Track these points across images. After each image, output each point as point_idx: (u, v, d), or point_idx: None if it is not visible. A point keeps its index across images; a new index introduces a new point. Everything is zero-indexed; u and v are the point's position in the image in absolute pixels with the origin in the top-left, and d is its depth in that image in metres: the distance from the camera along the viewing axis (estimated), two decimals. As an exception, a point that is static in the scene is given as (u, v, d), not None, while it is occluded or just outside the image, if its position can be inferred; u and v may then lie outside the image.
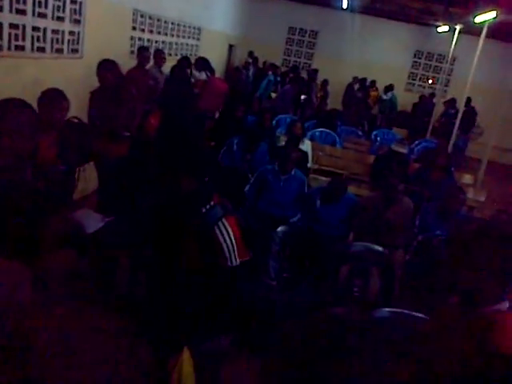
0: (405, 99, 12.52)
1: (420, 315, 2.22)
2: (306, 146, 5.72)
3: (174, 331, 1.74)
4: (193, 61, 7.67)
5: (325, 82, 10.97)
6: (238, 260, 1.64)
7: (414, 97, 12.76)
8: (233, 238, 1.63)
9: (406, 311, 2.28)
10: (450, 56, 11.03)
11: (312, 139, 7.40)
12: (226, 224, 1.63)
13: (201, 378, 1.78)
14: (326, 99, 9.85)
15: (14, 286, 0.86)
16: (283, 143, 5.54)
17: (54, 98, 3.24)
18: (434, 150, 6.87)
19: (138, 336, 1.96)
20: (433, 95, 11.97)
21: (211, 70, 8.05)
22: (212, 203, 1.65)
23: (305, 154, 5.17)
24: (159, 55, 6.33)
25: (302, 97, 9.50)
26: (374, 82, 12.41)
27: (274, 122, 7.74)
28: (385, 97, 11.83)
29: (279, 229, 3.29)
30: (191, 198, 1.62)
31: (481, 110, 10.44)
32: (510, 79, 8.07)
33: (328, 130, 7.78)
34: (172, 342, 1.72)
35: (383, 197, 3.95)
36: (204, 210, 1.62)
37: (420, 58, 13.52)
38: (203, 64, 7.83)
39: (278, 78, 11.05)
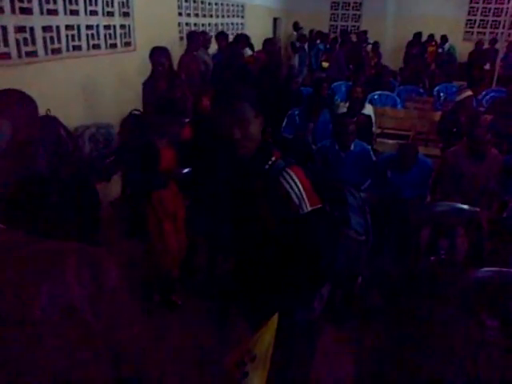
0: (464, 50, 11.75)
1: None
2: (368, 110, 5.52)
3: (267, 301, 1.71)
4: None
5: (375, 45, 10.49)
6: (309, 207, 1.57)
7: (474, 46, 11.95)
8: (300, 185, 1.57)
9: (508, 269, 2.13)
10: (512, -5, 10.19)
11: (371, 103, 7.16)
12: (291, 172, 1.58)
13: (288, 348, 1.74)
14: (380, 62, 9.45)
15: (104, 271, 0.85)
16: (345, 110, 5.37)
17: None
18: (505, 99, 6.38)
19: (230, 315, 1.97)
20: (494, 41, 11.13)
21: (251, 47, 7.93)
22: (273, 158, 1.61)
23: (369, 117, 4.97)
24: (204, 38, 6.28)
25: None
26: (431, 37, 11.71)
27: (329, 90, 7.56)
28: (440, 50, 11.16)
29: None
30: (252, 160, 1.59)
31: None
32: None
33: (387, 92, 7.48)
34: (265, 312, 1.68)
35: (468, 151, 3.64)
36: (267, 167, 1.59)
37: (477, 3, 12.59)
38: (245, 41, 7.71)
39: (328, 46, 10.71)
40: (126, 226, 3.43)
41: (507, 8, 10.66)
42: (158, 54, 4.02)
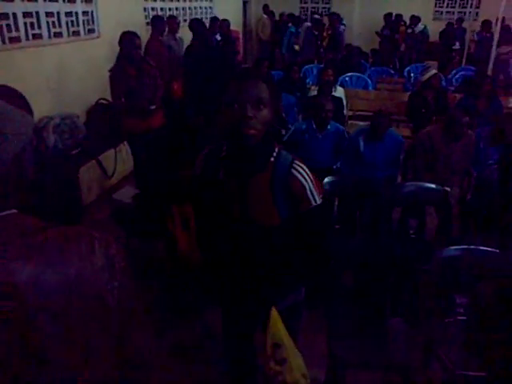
0: (433, 29, 11.81)
1: (491, 249, 2.10)
2: (339, 92, 5.51)
3: (261, 293, 1.69)
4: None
5: (332, 17, 10.17)
6: (319, 199, 1.55)
7: (443, 25, 12.03)
8: (311, 177, 1.53)
9: (476, 247, 2.16)
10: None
11: (342, 85, 7.17)
12: (301, 164, 1.53)
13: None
14: (336, 38, 9.37)
15: (114, 253, 0.92)
16: (315, 93, 5.35)
17: None
18: (474, 77, 6.45)
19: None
20: (461, 20, 11.19)
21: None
22: (276, 149, 1.56)
23: (339, 100, 4.96)
24: (172, 22, 6.14)
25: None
26: (400, 17, 11.69)
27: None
28: (409, 30, 11.16)
29: (325, 180, 3.17)
30: (256, 149, 1.52)
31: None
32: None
33: (358, 74, 7.48)
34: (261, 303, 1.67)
35: (444, 132, 3.64)
36: (273, 159, 1.54)
37: (446, -18, 12.66)
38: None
39: (299, 30, 10.63)
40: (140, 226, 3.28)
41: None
42: (129, 40, 3.88)
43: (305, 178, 1.51)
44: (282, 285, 1.69)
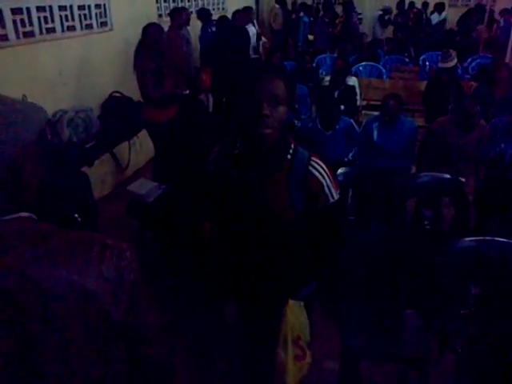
0: (450, 16, 11.59)
1: (507, 240, 2.07)
2: (353, 82, 5.46)
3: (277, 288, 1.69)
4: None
5: (346, 5, 9.95)
6: (336, 195, 1.55)
7: (460, 12, 11.81)
8: (329, 174, 1.53)
9: (492, 238, 2.14)
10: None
11: (357, 75, 7.09)
12: (318, 161, 1.53)
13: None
14: (349, 27, 9.25)
15: (126, 263, 0.89)
16: (327, 83, 5.31)
17: None
18: (490, 65, 6.33)
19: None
20: (480, 7, 10.92)
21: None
22: (293, 146, 1.55)
23: (352, 88, 4.91)
24: (184, 14, 6.11)
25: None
26: (412, 4, 11.48)
27: (314, 64, 7.46)
28: (433, 18, 10.94)
29: (339, 171, 3.15)
30: (273, 147, 1.51)
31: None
32: None
33: (371, 63, 7.39)
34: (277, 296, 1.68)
35: (457, 122, 3.57)
36: (289, 157, 1.53)
37: (462, -32, 12.40)
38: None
39: (312, 18, 10.52)
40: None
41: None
42: (155, 32, 3.87)
43: (322, 175, 1.51)
44: (296, 279, 1.70)
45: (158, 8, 6.38)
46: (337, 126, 3.74)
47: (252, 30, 7.89)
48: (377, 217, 3.24)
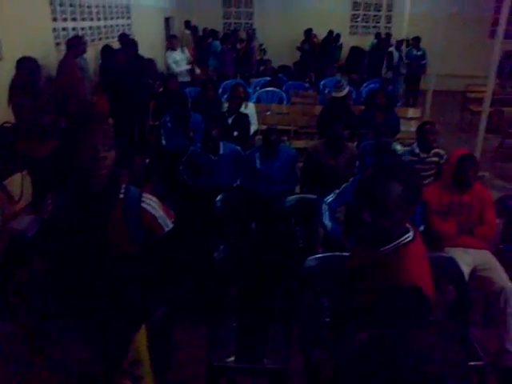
0: (350, 42, 12.48)
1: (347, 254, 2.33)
2: (250, 109, 5.72)
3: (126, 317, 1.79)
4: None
5: (248, 33, 10.63)
6: (171, 223, 1.72)
7: (359, 39, 12.77)
8: (160, 206, 1.70)
9: (333, 254, 2.40)
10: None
11: (259, 100, 7.44)
12: (149, 196, 1.69)
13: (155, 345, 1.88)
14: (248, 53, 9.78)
15: None
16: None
17: None
18: (375, 90, 6.91)
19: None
20: (388, 35, 11.49)
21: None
22: (123, 186, 1.68)
23: (245, 116, 5.16)
24: (80, 43, 6.09)
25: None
26: (309, 30, 12.11)
27: (220, 90, 7.73)
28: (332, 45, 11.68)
29: (218, 197, 3.33)
30: (105, 190, 1.63)
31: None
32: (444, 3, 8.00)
33: (274, 89, 7.77)
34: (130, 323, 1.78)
35: (329, 145, 3.98)
36: (122, 196, 1.66)
37: (359, -2, 13.43)
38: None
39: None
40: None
41: (384, 3, 11.48)
42: (22, 66, 3.86)
43: (154, 209, 1.69)
44: (145, 306, 1.83)
45: (55, 37, 6.32)
46: (221, 151, 3.94)
47: (180, 55, 8.26)
48: (256, 238, 3.44)
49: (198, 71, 8.67)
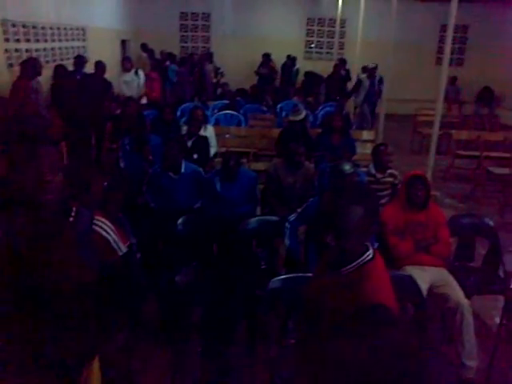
0: (305, 67, 12.81)
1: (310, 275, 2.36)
2: (209, 131, 5.74)
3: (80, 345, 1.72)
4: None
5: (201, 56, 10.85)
6: (124, 248, 1.68)
7: (313, 64, 13.16)
8: (113, 230, 1.66)
9: (296, 275, 2.42)
10: (339, 19, 11.50)
11: (217, 123, 7.48)
12: (101, 219, 1.65)
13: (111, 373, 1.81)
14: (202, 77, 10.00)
15: None
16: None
17: None
18: (331, 113, 7.12)
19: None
20: (343, 61, 11.79)
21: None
22: (74, 209, 1.63)
23: (204, 139, 5.18)
24: (35, 65, 5.96)
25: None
26: (267, 55, 12.35)
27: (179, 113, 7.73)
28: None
29: (180, 220, 3.31)
30: (55, 214, 1.58)
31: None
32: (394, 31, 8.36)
33: (232, 112, 7.85)
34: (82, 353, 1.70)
35: (286, 163, 4.13)
36: (72, 219, 1.60)
37: (313, 25, 13.86)
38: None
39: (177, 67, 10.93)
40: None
41: (337, 31, 11.92)
42: None
43: (107, 232, 1.65)
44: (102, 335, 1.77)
45: (8, 58, 6.16)
46: (183, 170, 3.94)
47: (132, 77, 8.31)
48: (218, 261, 3.42)
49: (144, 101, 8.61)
